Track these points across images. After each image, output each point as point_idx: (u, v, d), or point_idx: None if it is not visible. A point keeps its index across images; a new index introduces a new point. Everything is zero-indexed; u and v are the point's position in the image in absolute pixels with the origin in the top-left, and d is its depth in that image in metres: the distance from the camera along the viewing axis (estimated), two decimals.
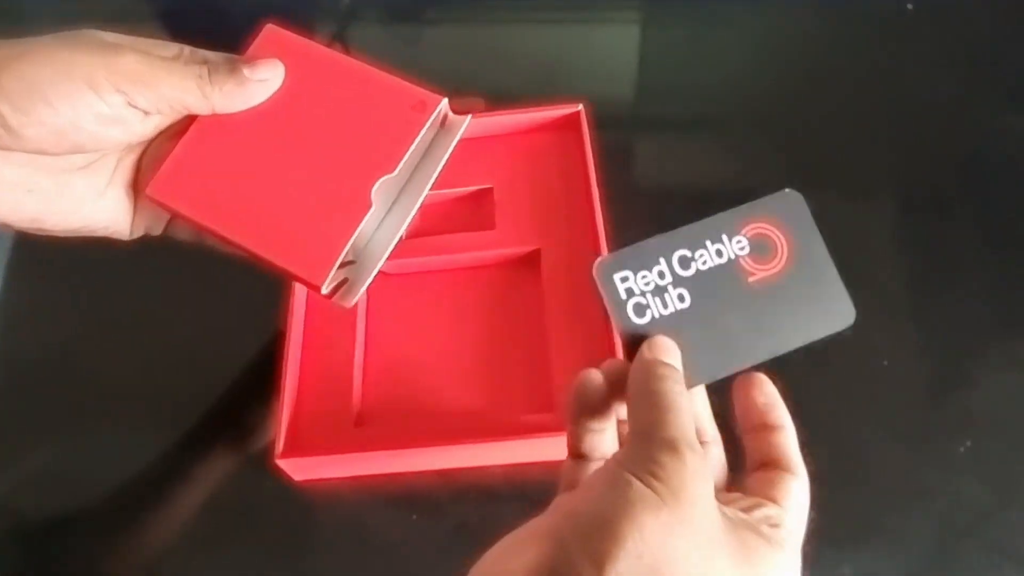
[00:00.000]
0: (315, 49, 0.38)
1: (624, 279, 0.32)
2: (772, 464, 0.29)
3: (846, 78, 0.56)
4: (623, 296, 0.31)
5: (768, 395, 0.30)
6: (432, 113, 0.35)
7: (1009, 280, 0.48)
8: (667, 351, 0.29)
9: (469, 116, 0.38)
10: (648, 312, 0.31)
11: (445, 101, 0.36)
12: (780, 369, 0.30)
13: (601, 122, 0.52)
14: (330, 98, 0.36)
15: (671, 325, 0.31)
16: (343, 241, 0.34)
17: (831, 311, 0.32)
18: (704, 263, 0.32)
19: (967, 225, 0.49)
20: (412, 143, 0.35)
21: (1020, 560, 0.39)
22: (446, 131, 0.38)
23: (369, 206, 0.34)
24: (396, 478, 0.42)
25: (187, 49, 0.35)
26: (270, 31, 0.38)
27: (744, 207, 0.33)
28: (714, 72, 0.58)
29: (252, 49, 0.38)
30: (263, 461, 0.41)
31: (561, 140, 0.51)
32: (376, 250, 0.37)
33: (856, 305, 0.33)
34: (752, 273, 0.32)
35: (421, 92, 0.36)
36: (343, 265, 0.35)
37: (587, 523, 0.24)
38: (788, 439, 0.30)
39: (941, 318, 0.46)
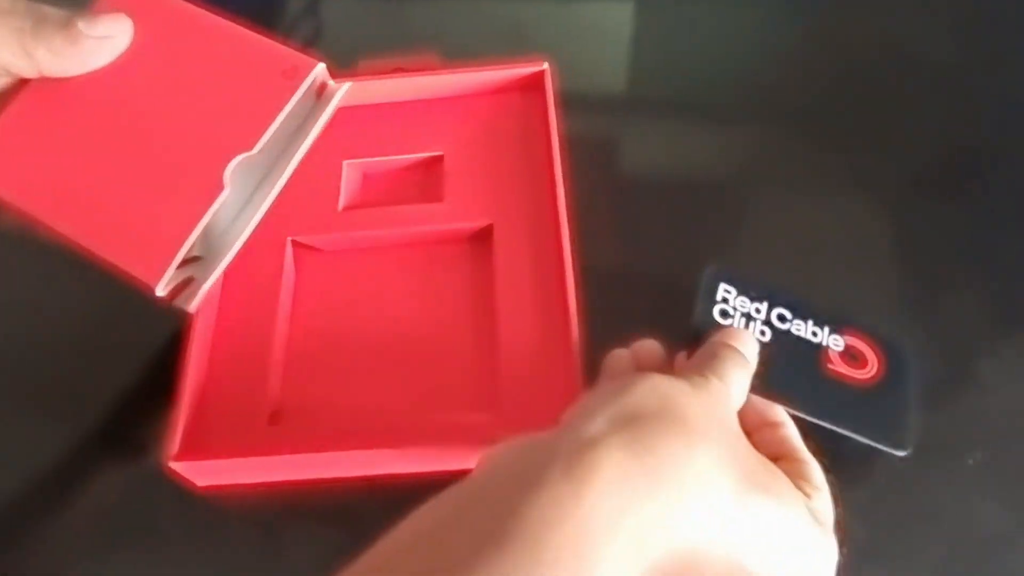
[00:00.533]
0: (172, 3, 0.32)
1: (727, 290, 0.36)
2: (784, 457, 0.29)
3: (841, 59, 0.51)
4: (717, 298, 0.35)
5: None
6: (303, 81, 0.30)
7: (1017, 273, 0.42)
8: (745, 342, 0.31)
9: (347, 84, 0.33)
10: (730, 320, 0.35)
11: (321, 67, 0.31)
12: None
13: (574, 94, 0.46)
14: (186, 62, 0.31)
15: None
16: (184, 233, 0.29)
17: (891, 431, 0.34)
18: (797, 330, 0.36)
19: (973, 212, 0.44)
20: (277, 116, 0.30)
21: None
22: (323, 102, 0.33)
23: (221, 190, 0.29)
24: (317, 485, 0.36)
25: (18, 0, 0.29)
26: None
27: (861, 319, 0.36)
28: (701, 48, 0.52)
29: (97, 3, 0.32)
30: (160, 463, 0.35)
31: (523, 103, 0.45)
32: (227, 243, 0.31)
33: (845, 306, 0.36)
34: (833, 364, 0.35)
35: (293, 56, 0.30)
36: (188, 262, 0.30)
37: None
38: (792, 432, 0.30)
39: (942, 313, 0.40)
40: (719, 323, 0.35)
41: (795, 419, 0.33)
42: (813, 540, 0.26)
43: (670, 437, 0.24)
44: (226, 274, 0.40)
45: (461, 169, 0.43)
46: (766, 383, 0.33)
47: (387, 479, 0.36)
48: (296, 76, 0.30)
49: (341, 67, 0.47)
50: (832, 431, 0.33)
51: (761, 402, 0.31)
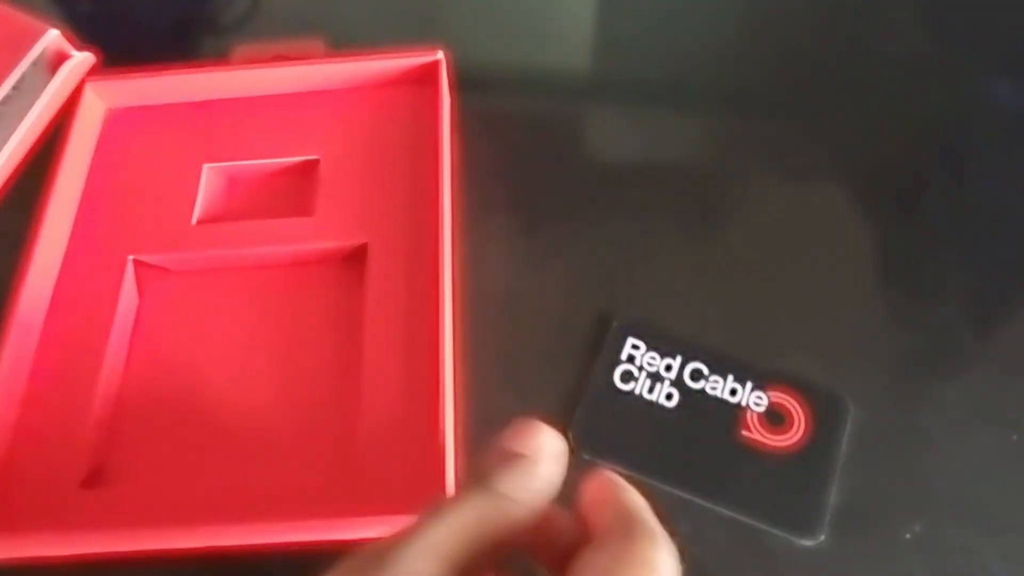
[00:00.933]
0: None
1: (635, 346, 0.33)
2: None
3: (790, 39, 0.44)
4: (622, 357, 0.33)
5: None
6: (29, 51, 0.25)
7: (969, 303, 0.35)
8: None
9: (84, 56, 0.28)
10: (632, 384, 0.32)
11: (54, 34, 0.26)
12: None
13: (483, 86, 0.41)
14: None
15: (641, 408, 0.32)
16: None
17: (798, 518, 0.30)
18: (713, 389, 0.32)
19: (924, 236, 0.37)
20: None
21: None
22: (59, 76, 0.29)
23: None
24: (142, 558, 0.31)
25: None
26: None
27: (791, 371, 0.32)
28: (621, 29, 0.45)
29: None
30: None
31: (413, 100, 0.38)
32: None
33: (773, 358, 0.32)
34: (751, 430, 0.31)
35: (23, 20, 0.26)
36: None
37: None
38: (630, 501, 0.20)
39: (879, 349, 0.34)
40: (615, 385, 0.32)
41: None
42: None
43: None
44: (52, 299, 0.34)
45: (338, 177, 0.37)
46: (661, 465, 0.30)
47: (229, 551, 0.30)
48: (22, 45, 0.25)
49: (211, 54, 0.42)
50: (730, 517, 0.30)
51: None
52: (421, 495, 0.28)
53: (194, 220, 0.36)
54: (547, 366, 0.33)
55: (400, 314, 0.33)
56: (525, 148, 0.40)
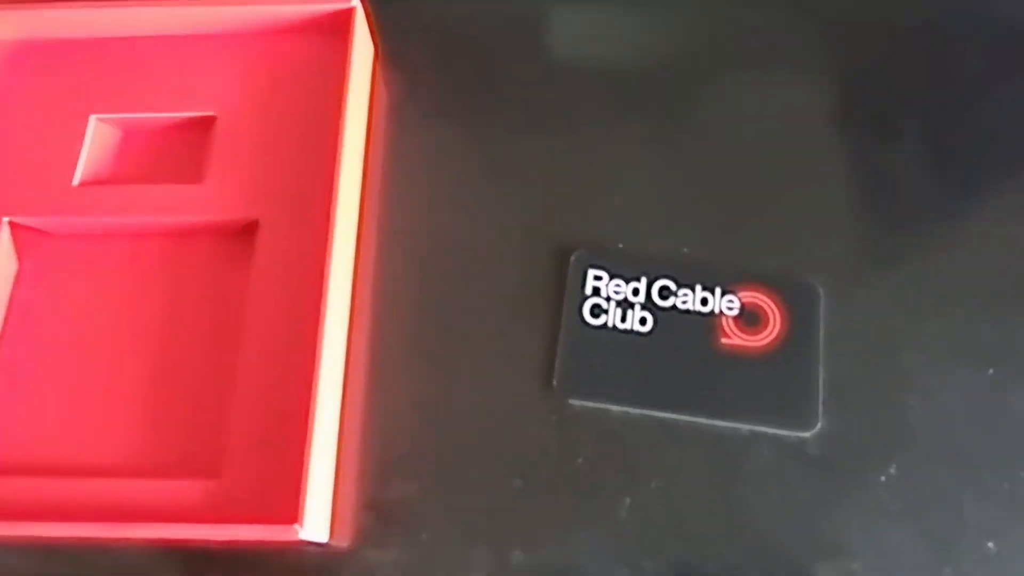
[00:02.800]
0: None
1: (598, 276, 0.32)
2: None
3: None
4: (587, 292, 0.31)
5: None
6: None
7: (952, 236, 0.33)
8: None
9: None
10: (603, 317, 0.31)
11: None
12: None
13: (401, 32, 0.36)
14: None
15: (617, 340, 0.31)
16: None
17: (793, 410, 0.30)
18: (684, 303, 0.31)
19: (898, 155, 0.34)
20: None
21: None
22: None
23: None
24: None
25: None
26: None
27: (756, 273, 0.32)
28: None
29: None
30: None
31: (322, 52, 0.34)
32: None
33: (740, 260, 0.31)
34: (728, 335, 0.31)
35: None
36: None
37: None
38: None
39: (855, 289, 0.32)
40: (587, 322, 0.31)
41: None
42: None
43: None
44: None
45: (233, 139, 0.33)
46: (645, 393, 0.30)
47: (83, 544, 0.29)
48: None
49: None
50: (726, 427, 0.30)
51: None
52: (280, 502, 0.26)
53: (76, 180, 0.33)
54: (517, 314, 0.32)
55: (285, 299, 0.30)
56: (461, 78, 0.36)
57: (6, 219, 0.32)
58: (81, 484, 0.28)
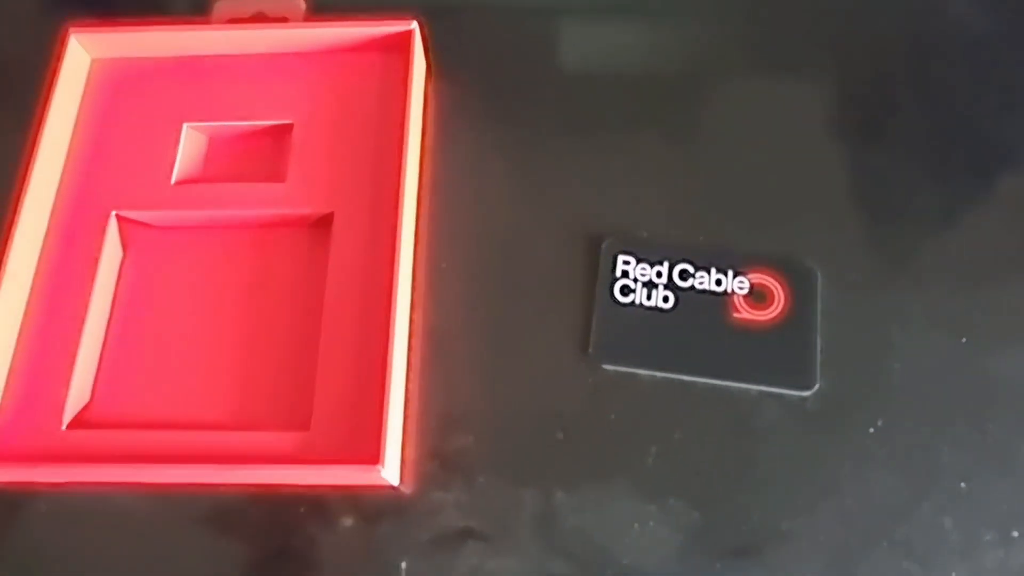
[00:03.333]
0: None
1: (626, 261, 0.37)
2: None
3: None
4: (616, 275, 0.36)
5: None
6: None
7: (933, 222, 0.38)
8: None
9: None
10: (631, 296, 0.36)
11: None
12: None
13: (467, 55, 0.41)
14: None
15: (643, 315, 0.35)
16: None
17: (795, 373, 0.35)
18: (701, 283, 0.36)
19: (893, 160, 0.39)
20: None
21: (935, 565, 0.32)
22: None
23: None
24: (118, 489, 0.34)
25: None
26: None
27: (763, 257, 0.36)
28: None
29: None
30: None
31: (386, 68, 0.39)
32: None
33: (749, 245, 0.37)
34: (739, 311, 0.36)
35: None
36: None
37: None
38: None
39: (850, 267, 0.37)
40: (617, 300, 0.36)
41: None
42: None
43: None
44: (41, 250, 0.37)
45: (310, 143, 0.38)
46: (669, 359, 0.35)
47: (189, 488, 0.34)
48: None
49: (191, 6, 0.43)
50: (739, 388, 0.34)
51: None
52: (364, 447, 0.32)
53: (173, 180, 0.38)
54: (555, 293, 0.37)
55: (359, 281, 0.35)
56: (502, 88, 0.42)
57: (113, 213, 0.38)
58: (189, 436, 0.34)
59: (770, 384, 0.34)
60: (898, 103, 0.40)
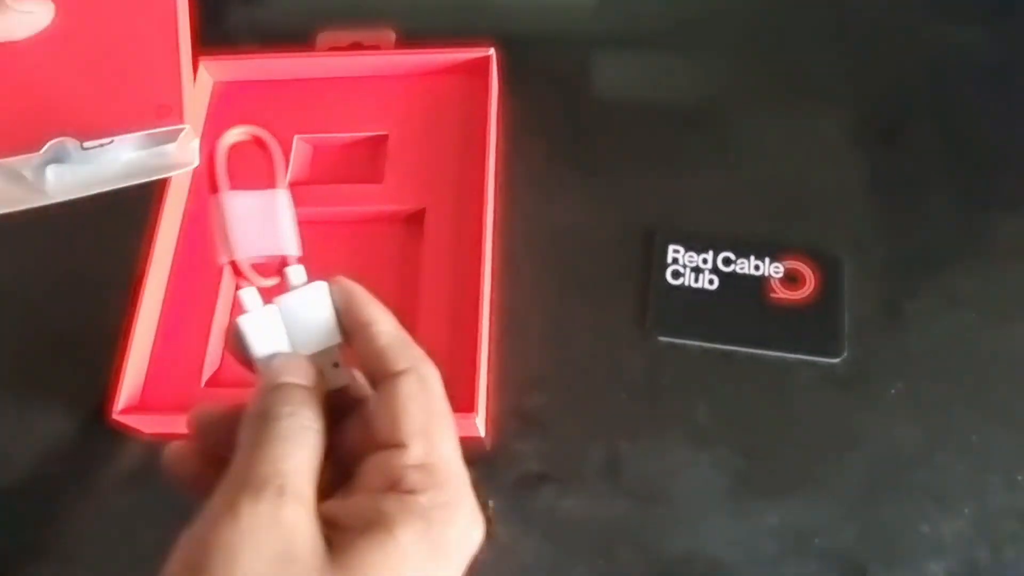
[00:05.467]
0: None
1: (676, 250, 0.42)
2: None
3: None
4: (668, 261, 0.42)
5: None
6: (159, 127, 0.34)
7: (943, 213, 0.44)
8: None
9: (195, 158, 0.34)
10: (681, 279, 0.42)
11: (187, 129, 0.33)
12: None
13: (532, 72, 0.48)
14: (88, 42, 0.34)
15: (692, 295, 0.41)
16: None
17: (823, 344, 0.40)
18: (742, 268, 0.42)
19: (908, 158, 0.45)
20: (114, 135, 0.33)
21: (948, 505, 0.37)
22: (179, 152, 0.36)
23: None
24: None
25: None
26: None
27: (795, 246, 0.42)
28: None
29: None
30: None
31: (467, 86, 0.46)
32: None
33: (783, 235, 0.43)
34: (776, 291, 0.41)
35: (171, 98, 0.33)
36: None
37: None
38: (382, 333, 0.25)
39: (872, 253, 0.43)
40: (669, 283, 0.42)
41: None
42: None
43: None
44: (179, 239, 0.43)
45: (403, 151, 0.45)
46: (715, 331, 0.40)
47: None
48: (161, 116, 0.33)
49: (296, 36, 0.49)
50: (776, 356, 0.40)
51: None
52: (459, 410, 0.37)
53: (288, 181, 0.45)
54: (614, 278, 0.43)
55: (448, 265, 0.41)
56: (566, 107, 0.48)
57: None
58: None
59: (803, 353, 0.40)
60: (911, 115, 0.47)
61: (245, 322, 0.25)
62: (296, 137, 0.46)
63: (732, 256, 0.42)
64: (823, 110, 0.47)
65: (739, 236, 0.43)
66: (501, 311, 0.42)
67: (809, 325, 0.40)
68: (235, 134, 0.27)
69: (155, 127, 0.33)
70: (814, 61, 0.49)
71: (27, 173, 0.35)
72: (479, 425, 0.38)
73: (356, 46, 0.48)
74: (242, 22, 0.54)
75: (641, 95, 0.49)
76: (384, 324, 0.26)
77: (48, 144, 0.33)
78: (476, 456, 0.39)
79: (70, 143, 0.34)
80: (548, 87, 0.49)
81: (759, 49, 0.50)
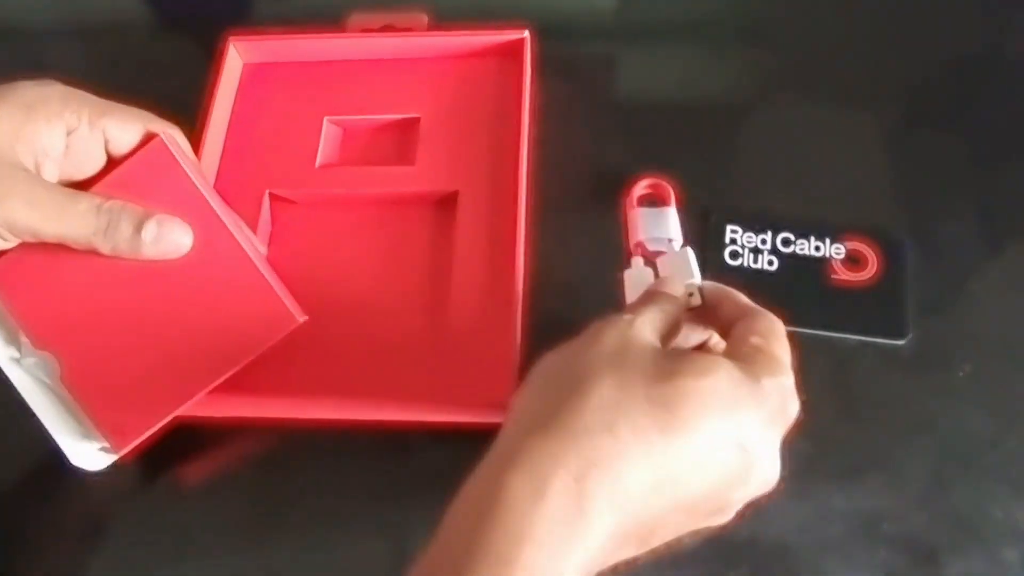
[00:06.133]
0: (190, 189, 0.35)
1: (734, 231, 0.41)
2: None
3: None
4: (726, 241, 0.41)
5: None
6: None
7: (1007, 194, 0.43)
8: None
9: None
10: (739, 260, 0.41)
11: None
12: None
13: (556, 53, 0.47)
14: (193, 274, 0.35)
15: (751, 276, 0.40)
16: None
17: (888, 326, 0.39)
18: (802, 249, 0.41)
19: (968, 136, 0.44)
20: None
21: (1018, 487, 0.36)
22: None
23: None
24: (263, 423, 0.39)
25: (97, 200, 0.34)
26: (157, 148, 0.35)
27: (859, 223, 0.41)
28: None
29: (133, 161, 0.35)
30: None
31: (500, 70, 0.45)
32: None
33: (843, 217, 0.42)
34: (837, 273, 0.40)
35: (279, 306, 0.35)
36: None
37: None
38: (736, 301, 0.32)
39: (935, 235, 0.42)
40: (725, 263, 0.41)
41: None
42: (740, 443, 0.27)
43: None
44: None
45: (435, 133, 0.44)
46: (775, 312, 0.37)
47: (331, 423, 0.39)
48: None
49: (326, 17, 0.49)
50: (839, 338, 0.39)
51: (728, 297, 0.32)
52: (495, 387, 0.36)
53: (317, 163, 0.44)
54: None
55: (481, 247, 0.41)
56: (602, 94, 0.48)
57: (267, 191, 0.44)
58: (335, 381, 0.39)
59: (866, 334, 0.39)
60: (976, 97, 0.46)
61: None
62: (325, 118, 0.45)
63: (791, 237, 0.41)
64: (873, 97, 0.46)
65: (798, 217, 0.42)
66: (536, 297, 0.41)
67: (872, 307, 0.39)
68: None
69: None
70: (858, 49, 0.48)
71: None
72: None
73: (388, 28, 0.47)
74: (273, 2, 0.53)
75: (682, 86, 0.48)
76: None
77: None
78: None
79: None
80: (572, 73, 0.48)
81: (801, 38, 0.49)
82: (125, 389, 0.35)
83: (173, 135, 0.36)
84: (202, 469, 0.40)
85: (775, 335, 0.29)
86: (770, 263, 0.40)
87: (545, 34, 0.47)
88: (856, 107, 0.46)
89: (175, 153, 0.35)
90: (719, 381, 0.27)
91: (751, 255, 0.41)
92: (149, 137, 0.35)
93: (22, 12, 0.56)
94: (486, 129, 0.44)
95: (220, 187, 0.44)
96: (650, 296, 0.32)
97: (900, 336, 0.39)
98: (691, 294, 0.34)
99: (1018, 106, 0.45)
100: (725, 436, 0.26)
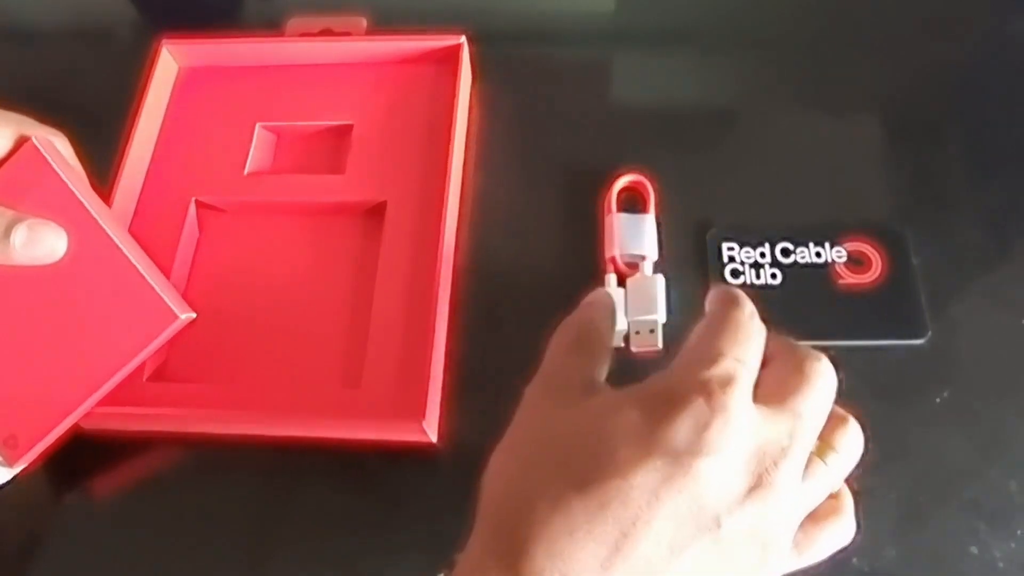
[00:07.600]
0: (66, 193, 0.34)
1: (731, 247, 0.40)
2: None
3: None
4: (724, 260, 0.39)
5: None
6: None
7: (995, 213, 0.41)
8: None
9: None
10: (742, 277, 0.39)
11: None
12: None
13: (494, 60, 0.46)
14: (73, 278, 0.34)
15: (756, 294, 0.34)
16: None
17: (904, 326, 0.38)
18: (803, 258, 0.39)
19: (954, 141, 0.43)
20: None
21: (997, 520, 0.35)
22: None
23: None
24: (191, 438, 0.38)
25: None
26: (29, 153, 0.34)
27: (854, 227, 0.40)
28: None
29: (5, 167, 0.34)
30: None
31: (436, 77, 0.44)
32: None
33: (839, 219, 0.40)
34: (843, 276, 0.39)
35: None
36: None
37: None
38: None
39: (922, 252, 0.40)
40: (728, 283, 0.39)
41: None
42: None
43: None
44: (130, 230, 0.42)
45: (367, 141, 0.43)
46: (787, 328, 0.34)
47: (251, 439, 0.38)
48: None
49: (269, 22, 0.48)
50: (858, 345, 0.37)
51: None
52: (407, 412, 0.35)
53: (246, 171, 0.43)
54: (671, 275, 0.39)
55: (407, 260, 0.39)
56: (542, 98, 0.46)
57: (193, 198, 0.43)
58: (250, 392, 0.38)
59: (886, 338, 0.37)
60: (950, 109, 0.44)
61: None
62: (258, 125, 0.44)
63: (790, 246, 0.39)
64: (865, 103, 0.45)
65: (794, 224, 0.40)
66: (473, 306, 0.40)
67: (885, 307, 0.38)
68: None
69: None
70: (851, 54, 0.46)
71: None
72: (427, 430, 0.36)
73: (326, 32, 0.46)
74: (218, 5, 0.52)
75: (659, 94, 0.47)
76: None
77: None
78: (429, 462, 0.37)
79: None
80: (514, 78, 0.46)
81: (795, 53, 0.47)
82: (12, 400, 0.34)
83: (54, 141, 0.35)
84: (113, 483, 0.39)
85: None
86: (773, 276, 0.39)
87: (541, 38, 0.46)
88: (848, 112, 0.44)
89: (49, 157, 0.34)
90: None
91: (753, 271, 0.39)
92: (23, 142, 0.34)
93: None
94: (418, 138, 0.43)
95: (146, 194, 0.43)
96: (585, 337, 0.29)
97: (919, 335, 0.37)
98: (652, 330, 0.32)
99: (1017, 109, 0.44)
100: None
